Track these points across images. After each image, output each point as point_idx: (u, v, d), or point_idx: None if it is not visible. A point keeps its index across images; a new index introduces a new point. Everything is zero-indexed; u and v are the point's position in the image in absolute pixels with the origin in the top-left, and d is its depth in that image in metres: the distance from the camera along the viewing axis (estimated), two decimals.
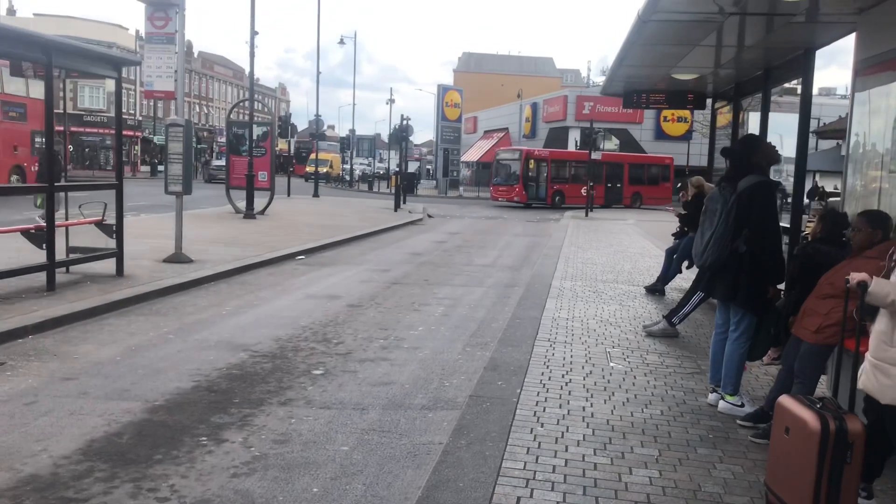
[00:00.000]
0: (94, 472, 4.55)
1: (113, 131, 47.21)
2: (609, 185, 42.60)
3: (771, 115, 9.77)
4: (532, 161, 40.34)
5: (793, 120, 8.21)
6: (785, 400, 3.99)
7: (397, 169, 43.14)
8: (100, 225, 11.16)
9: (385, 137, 65.30)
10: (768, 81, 9.33)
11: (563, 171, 41.71)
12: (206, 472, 4.60)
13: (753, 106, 11.37)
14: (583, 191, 40.24)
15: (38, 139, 30.34)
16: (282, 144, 52.33)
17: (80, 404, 5.78)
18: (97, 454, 4.82)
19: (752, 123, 11.79)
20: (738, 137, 11.61)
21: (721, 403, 5.75)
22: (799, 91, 8.87)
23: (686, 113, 46.46)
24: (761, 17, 7.18)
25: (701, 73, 10.52)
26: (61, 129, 15.22)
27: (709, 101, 13.08)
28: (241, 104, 32.92)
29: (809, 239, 5.93)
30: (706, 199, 5.89)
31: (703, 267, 5.89)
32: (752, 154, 5.70)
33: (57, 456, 4.77)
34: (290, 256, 14.72)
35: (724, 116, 13.45)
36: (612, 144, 54.60)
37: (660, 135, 53.41)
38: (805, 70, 8.06)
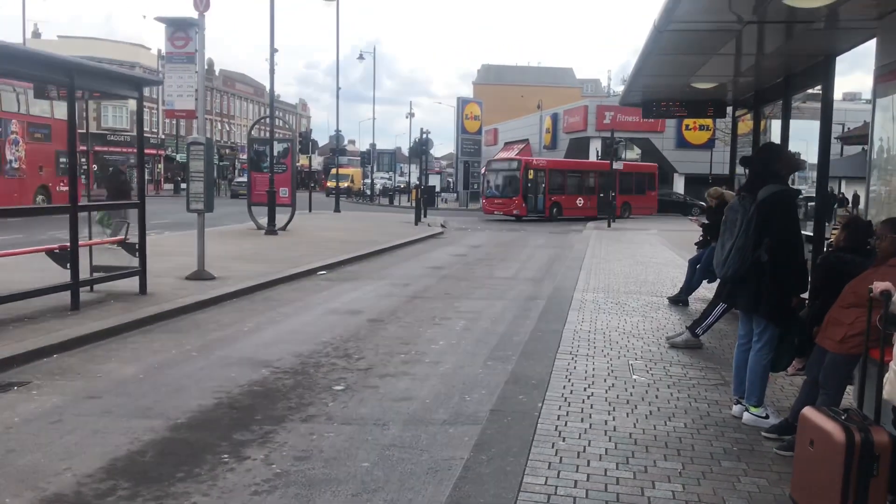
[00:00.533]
0: (116, 490, 4.57)
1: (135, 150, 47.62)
2: (601, 194, 39.81)
3: (795, 121, 9.71)
4: (531, 171, 38.36)
5: (817, 126, 8.13)
6: (809, 412, 3.94)
7: (417, 182, 43.17)
8: (123, 244, 11.27)
9: (405, 151, 65.54)
10: (789, 88, 9.26)
11: (560, 182, 40.02)
12: (228, 490, 4.61)
13: (775, 113, 11.29)
14: (578, 202, 39.66)
15: (62, 159, 30.79)
16: (303, 160, 52.68)
17: (103, 423, 5.82)
18: (120, 473, 4.85)
19: (775, 131, 11.71)
20: (760, 145, 11.54)
21: (745, 415, 5.68)
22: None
23: (708, 121, 46.16)
24: (780, 24, 7.13)
25: (720, 81, 10.46)
26: (84, 148, 15.41)
27: (729, 109, 13.00)
28: (262, 121, 33.17)
29: (833, 247, 5.86)
30: (726, 209, 5.84)
31: (724, 278, 5.82)
32: (771, 163, 5.65)
33: (81, 475, 4.80)
34: (311, 272, 14.78)
35: (746, 124, 13.37)
36: (633, 154, 54.44)
37: (682, 143, 53.09)
38: (826, 76, 7.97)
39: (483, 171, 45.70)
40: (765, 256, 5.41)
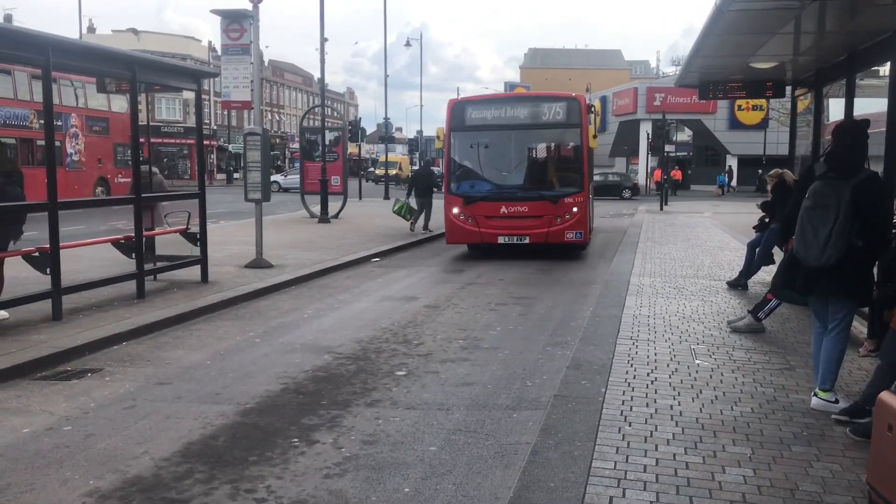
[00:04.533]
0: (193, 473, 4.71)
1: (190, 141, 48.41)
2: None
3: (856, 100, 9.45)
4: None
5: (878, 104, 7.90)
6: (887, 396, 3.87)
7: None
8: (184, 233, 11.51)
9: None
10: (853, 66, 9.01)
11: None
12: (300, 473, 4.72)
13: (834, 92, 11.01)
14: None
15: (120, 151, 31.51)
16: (352, 148, 53.04)
17: (175, 408, 5.99)
18: (195, 456, 4.99)
19: (833, 110, 11.42)
20: (821, 125, 11.26)
21: (814, 400, 5.59)
22: (882, 73, 8.55)
23: (762, 101, 45.14)
24: (845, 0, 6.96)
25: (780, 60, 10.24)
26: (143, 140, 15.73)
27: (788, 88, 12.72)
28: (313, 111, 33.48)
29: None
30: (814, 193, 5.50)
31: (823, 265, 5.37)
32: (865, 145, 5.46)
33: (158, 458, 4.95)
34: (365, 259, 14.93)
35: (802, 103, 13.07)
36: (684, 136, 53.63)
37: (734, 124, 52.12)
38: (894, 52, 7.75)
39: None
40: (859, 242, 5.24)
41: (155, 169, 13.88)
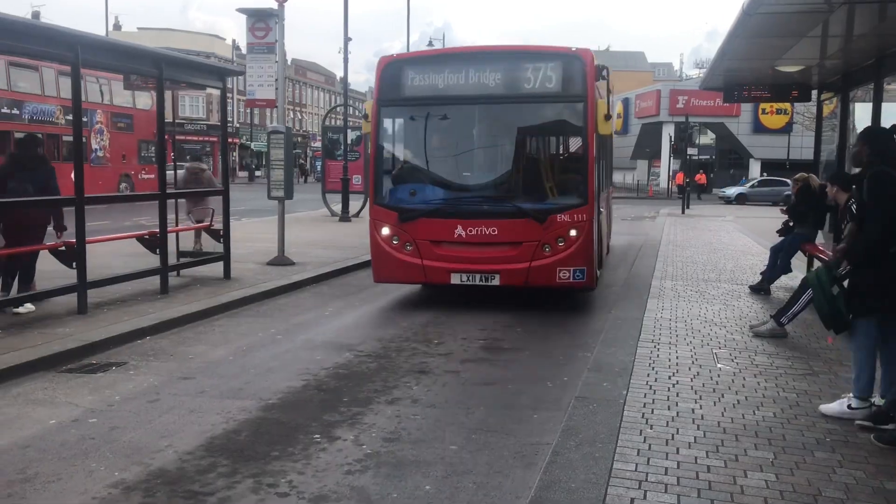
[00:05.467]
0: (216, 467, 4.76)
1: (212, 138, 48.63)
2: None
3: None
4: None
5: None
6: None
7: None
8: (209, 230, 11.60)
9: None
10: (881, 70, 8.95)
11: None
12: (322, 469, 4.75)
13: (861, 96, 10.94)
14: None
15: (143, 148, 31.82)
16: None
17: (198, 402, 6.05)
18: (218, 450, 5.04)
19: (859, 115, 11.34)
20: (846, 129, 11.19)
21: (831, 406, 5.53)
22: None
23: (786, 104, 44.75)
24: (873, 4, 6.91)
25: (807, 64, 10.20)
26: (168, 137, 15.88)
27: (814, 92, 12.64)
28: (335, 110, 33.60)
29: None
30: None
31: None
32: None
33: (181, 451, 5.01)
34: None
35: (828, 107, 12.98)
36: (707, 139, 53.27)
37: (758, 127, 51.71)
38: None
39: None
40: None
41: (204, 165, 14.09)
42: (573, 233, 9.41)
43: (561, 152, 11.67)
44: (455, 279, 9.65)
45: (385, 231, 9.89)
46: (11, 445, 5.10)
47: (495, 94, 9.81)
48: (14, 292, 8.83)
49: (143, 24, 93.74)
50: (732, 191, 44.39)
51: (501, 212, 9.64)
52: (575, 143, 10.73)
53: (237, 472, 4.69)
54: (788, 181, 47.91)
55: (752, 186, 44.63)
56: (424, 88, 9.98)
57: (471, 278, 9.62)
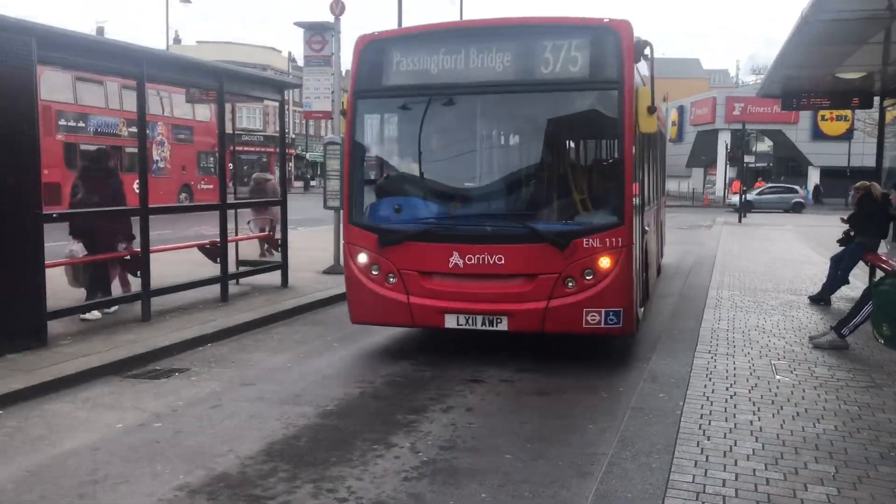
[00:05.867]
0: (277, 472, 4.88)
1: (269, 149, 49.29)
2: None
3: None
4: None
5: None
6: None
7: None
8: (268, 240, 11.84)
9: None
10: None
11: None
12: (379, 475, 4.83)
13: None
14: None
15: (203, 159, 32.55)
16: None
17: (258, 408, 6.19)
18: (278, 455, 5.16)
19: None
20: None
21: None
22: None
23: (847, 111, 43.73)
24: None
25: (868, 70, 10.00)
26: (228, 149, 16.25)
27: (876, 99, 12.36)
28: None
29: None
30: None
31: None
32: None
33: (243, 456, 5.14)
34: None
35: (891, 113, 12.68)
36: (764, 146, 52.33)
37: (817, 134, 50.62)
38: None
39: None
40: None
41: (269, 175, 14.47)
42: (605, 263, 7.14)
43: (590, 157, 9.74)
44: (450, 322, 7.47)
45: (362, 259, 7.73)
46: (82, 448, 5.30)
47: (504, 82, 7.46)
48: (84, 299, 9.13)
49: (201, 36, 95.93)
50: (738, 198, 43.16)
51: (511, 234, 7.37)
52: (608, 145, 8.94)
53: (297, 476, 4.80)
54: (797, 188, 46.59)
55: (760, 193, 43.50)
56: (414, 75, 7.69)
57: (471, 321, 7.41)
